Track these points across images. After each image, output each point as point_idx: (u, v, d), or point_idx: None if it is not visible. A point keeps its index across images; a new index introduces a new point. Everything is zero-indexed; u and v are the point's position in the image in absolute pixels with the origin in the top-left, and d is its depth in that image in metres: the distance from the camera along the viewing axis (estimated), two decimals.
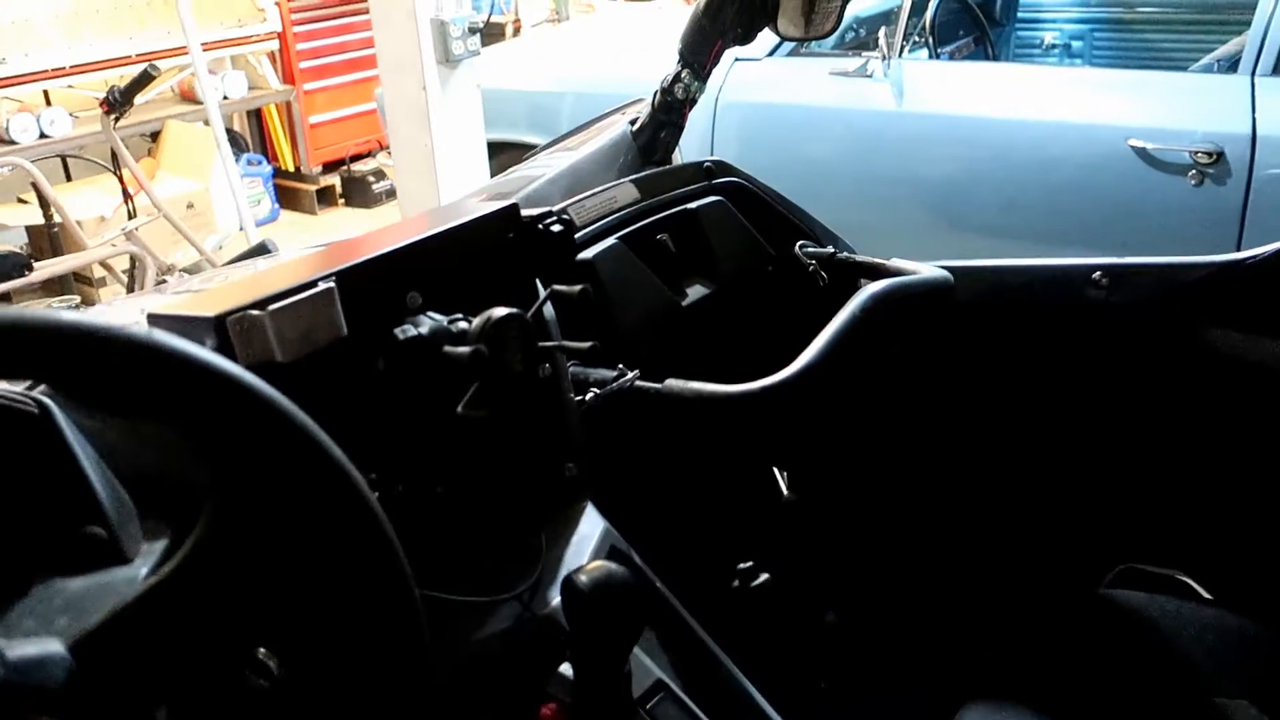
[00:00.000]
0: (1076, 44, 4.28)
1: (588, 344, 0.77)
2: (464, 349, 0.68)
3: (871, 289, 1.02)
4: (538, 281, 0.91)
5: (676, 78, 1.41)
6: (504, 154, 3.72)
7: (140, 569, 0.58)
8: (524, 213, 0.89)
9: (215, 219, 4.79)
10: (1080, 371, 1.24)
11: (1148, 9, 4.13)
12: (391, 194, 5.58)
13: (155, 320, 0.71)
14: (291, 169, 5.69)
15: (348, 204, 5.71)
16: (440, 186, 3.00)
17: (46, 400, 0.60)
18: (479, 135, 3.18)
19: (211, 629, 0.56)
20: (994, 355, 1.22)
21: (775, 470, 1.36)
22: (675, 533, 0.97)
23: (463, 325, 0.75)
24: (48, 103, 4.83)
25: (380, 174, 5.57)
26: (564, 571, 0.83)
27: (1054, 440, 1.27)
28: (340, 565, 0.57)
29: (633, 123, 1.50)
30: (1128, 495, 1.29)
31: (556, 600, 0.82)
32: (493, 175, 3.47)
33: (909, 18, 3.07)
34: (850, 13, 3.16)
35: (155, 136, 5.07)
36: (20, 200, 4.63)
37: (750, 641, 0.86)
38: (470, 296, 0.82)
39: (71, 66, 4.64)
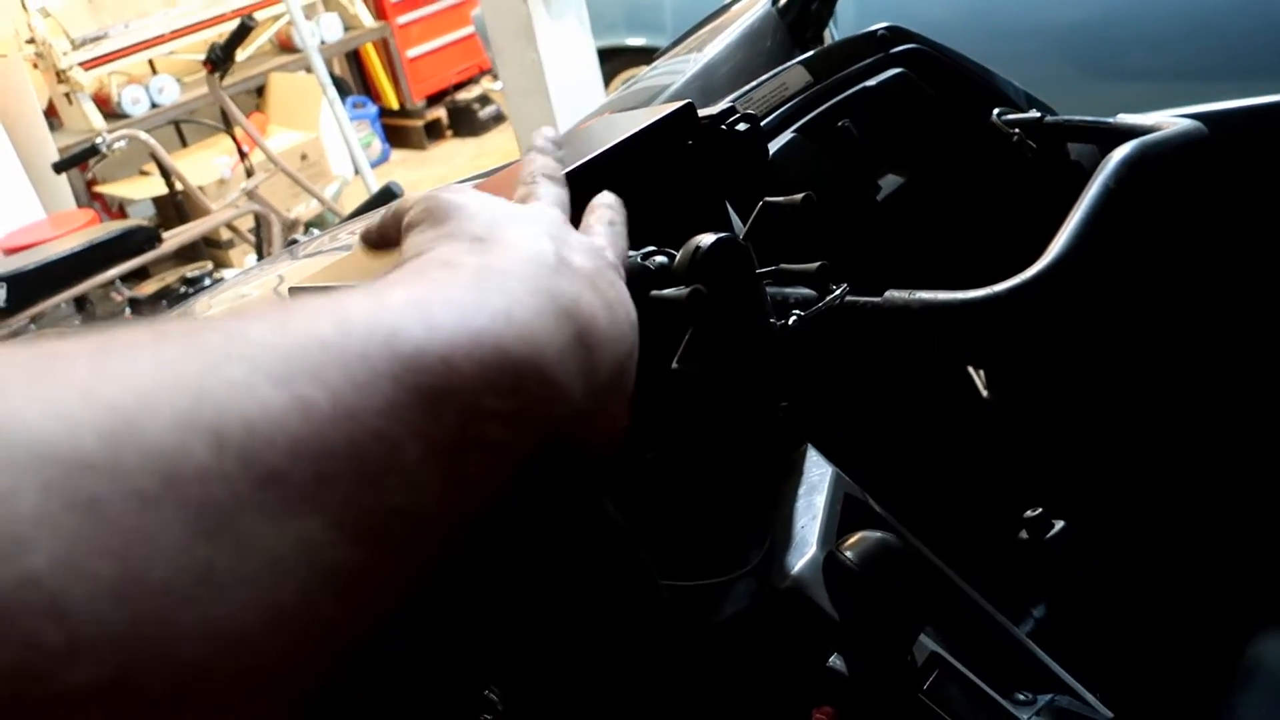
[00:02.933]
0: None
1: (813, 265, 0.62)
2: (678, 290, 0.54)
3: (1120, 154, 0.84)
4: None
5: None
6: (608, 62, 3.54)
7: None
8: (701, 113, 0.74)
9: (329, 167, 4.76)
10: None
11: None
12: (499, 119, 5.46)
13: (298, 294, 0.60)
14: (396, 106, 5.62)
15: (455, 135, 5.62)
16: (554, 104, 2.86)
17: None
18: (588, 44, 3.01)
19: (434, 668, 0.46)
20: (1257, 216, 1.03)
21: (970, 370, 1.20)
22: (919, 473, 0.83)
23: (660, 259, 0.61)
24: (153, 71, 4.84)
25: (485, 100, 5.45)
26: (797, 532, 0.70)
27: None
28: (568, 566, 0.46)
29: (776, 1, 1.33)
30: None
31: (795, 569, 0.69)
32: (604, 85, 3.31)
33: None
34: None
35: (261, 91, 5.05)
36: (142, 172, 4.68)
37: (1039, 599, 0.73)
38: (653, 222, 0.68)
39: (171, 32, 4.62)
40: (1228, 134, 0.98)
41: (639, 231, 0.69)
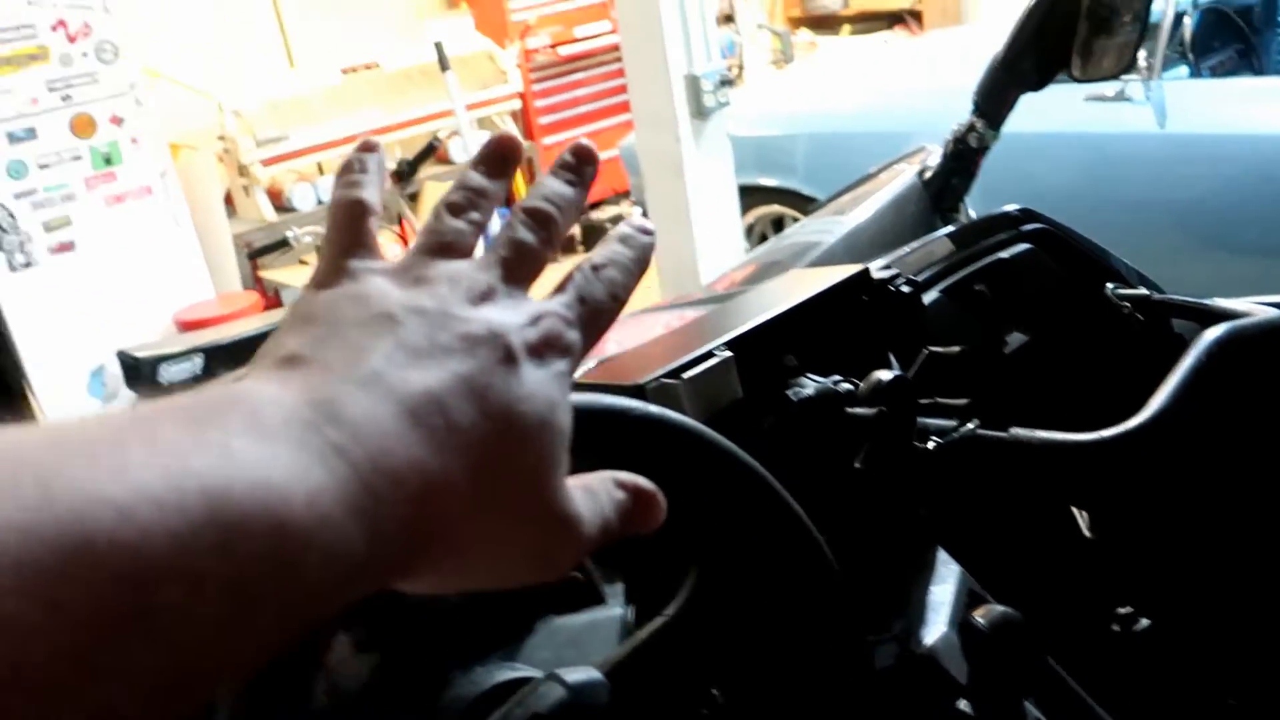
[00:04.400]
0: None
1: (962, 400, 0.82)
2: (867, 410, 0.75)
3: (1209, 335, 1.02)
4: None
5: (970, 127, 1.45)
6: (740, 198, 3.82)
7: (615, 609, 0.68)
8: (874, 275, 0.96)
9: None
10: None
11: None
12: None
13: (581, 388, 0.82)
14: None
15: (586, 250, 5.96)
16: (695, 234, 3.12)
17: None
18: (730, 182, 3.28)
19: (684, 669, 0.64)
20: None
21: (1074, 510, 1.36)
22: (1028, 576, 1.00)
23: (846, 386, 0.82)
24: (320, 172, 5.31)
25: (618, 219, 5.80)
26: (929, 613, 0.88)
27: None
28: (792, 599, 0.64)
29: (922, 173, 1.55)
30: None
31: (929, 640, 0.87)
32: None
33: (1169, 33, 2.97)
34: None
35: (414, 197, 5.47)
36: (301, 262, 5.10)
37: (1130, 691, 0.88)
38: (834, 357, 0.89)
39: (342, 138, 5.08)
40: None
41: (824, 364, 0.91)
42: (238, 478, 0.26)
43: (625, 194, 5.20)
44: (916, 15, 6.29)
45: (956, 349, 0.85)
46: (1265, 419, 1.14)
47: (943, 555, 0.97)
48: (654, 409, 0.59)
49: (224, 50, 5.28)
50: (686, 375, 0.78)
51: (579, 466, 0.62)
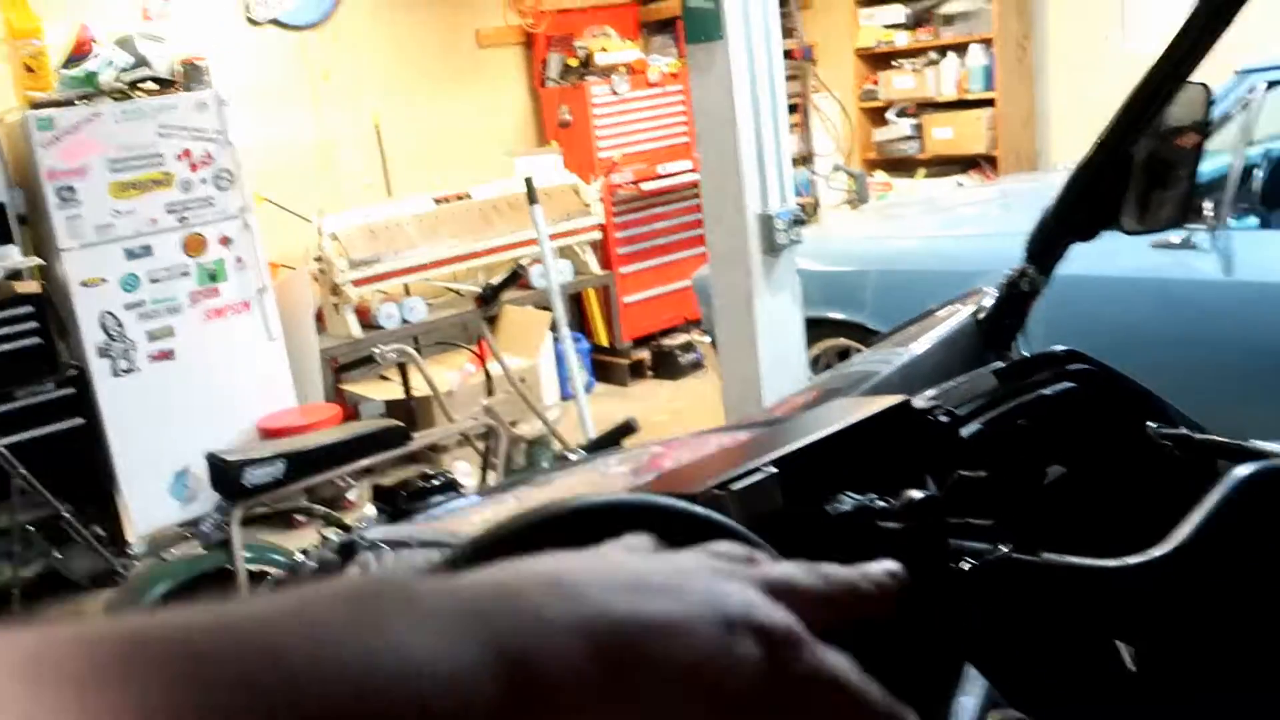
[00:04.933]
0: None
1: (988, 521, 0.88)
2: (895, 524, 0.82)
3: (1237, 473, 1.07)
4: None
5: (1023, 273, 1.52)
6: (809, 330, 3.92)
7: None
8: (915, 405, 1.03)
9: (542, 393, 5.27)
10: None
11: None
12: (697, 366, 5.92)
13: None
14: (605, 344, 6.17)
15: (655, 376, 6.09)
16: (761, 364, 3.22)
17: None
18: (798, 316, 3.39)
19: None
20: None
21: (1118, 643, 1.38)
22: (1053, 695, 1.04)
23: (880, 503, 0.89)
24: (406, 293, 5.55)
25: (688, 347, 5.93)
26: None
27: None
28: None
29: (976, 313, 1.62)
30: None
31: None
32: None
33: (1236, 185, 3.04)
34: None
35: (492, 320, 5.68)
36: (382, 377, 5.29)
37: None
38: (873, 477, 0.96)
39: (431, 262, 5.33)
40: None
41: (864, 485, 0.98)
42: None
43: (696, 322, 5.33)
44: (991, 160, 6.43)
45: (984, 474, 0.92)
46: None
47: (972, 672, 1.02)
48: (702, 510, 0.67)
49: (327, 177, 5.61)
50: (734, 487, 0.86)
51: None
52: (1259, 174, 3.26)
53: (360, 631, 0.28)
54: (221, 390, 4.60)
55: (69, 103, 4.32)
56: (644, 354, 6.14)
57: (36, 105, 4.26)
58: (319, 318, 5.23)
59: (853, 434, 0.97)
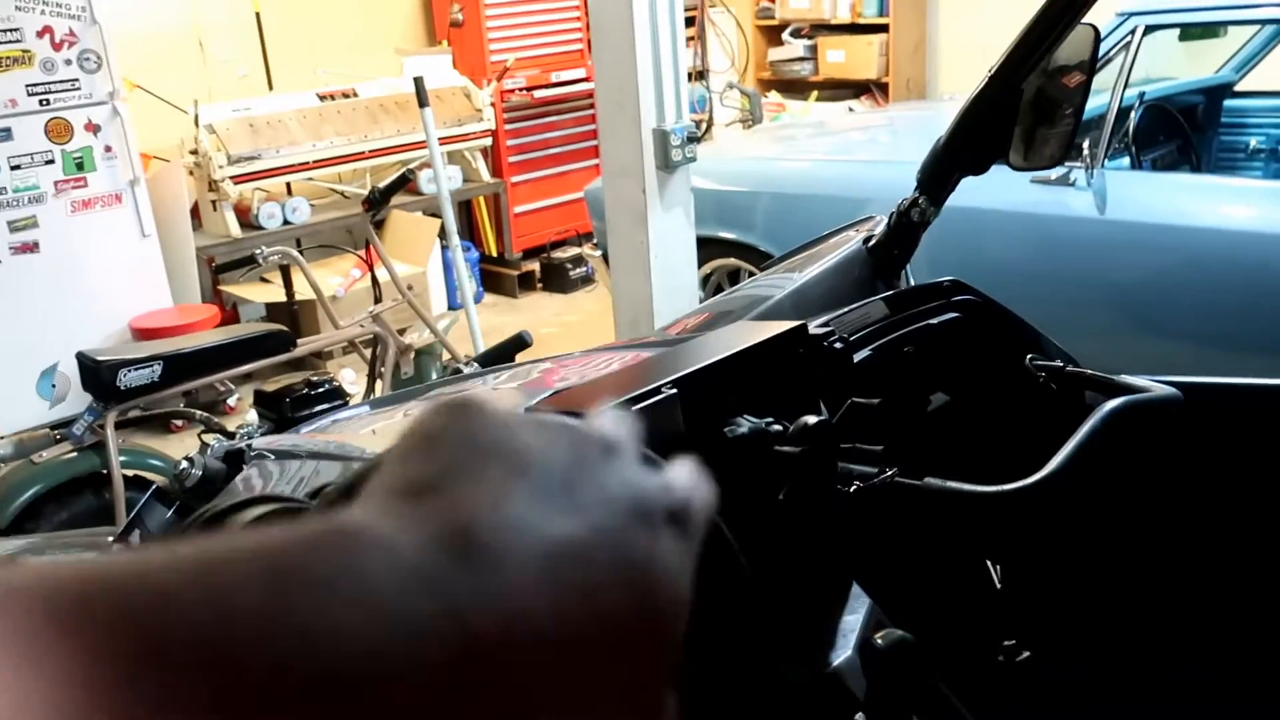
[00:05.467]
0: None
1: (878, 447, 0.92)
2: (795, 448, 0.84)
3: (1107, 406, 1.14)
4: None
5: (914, 202, 1.56)
6: (700, 249, 3.94)
7: None
8: (811, 331, 1.06)
9: (430, 301, 5.20)
10: None
11: None
12: (587, 280, 5.90)
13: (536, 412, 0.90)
14: (495, 254, 6.09)
15: (545, 289, 6.06)
16: (654, 281, 3.23)
17: None
18: (691, 234, 3.40)
19: None
20: (1219, 470, 1.31)
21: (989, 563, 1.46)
22: (935, 613, 1.10)
23: (777, 428, 0.91)
24: (289, 193, 5.36)
25: (579, 260, 5.91)
26: (840, 638, 0.98)
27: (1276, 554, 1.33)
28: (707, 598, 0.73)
29: (867, 240, 1.66)
30: None
31: (836, 662, 0.96)
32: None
33: (1112, 125, 3.15)
34: None
35: (380, 225, 5.54)
36: (263, 279, 5.14)
37: (1010, 712, 0.97)
38: (768, 401, 0.99)
39: (313, 161, 5.15)
40: (1204, 404, 1.27)
41: (760, 408, 1.01)
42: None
43: (588, 235, 5.31)
44: (883, 87, 6.51)
45: (876, 400, 0.95)
46: (1151, 483, 1.26)
47: (857, 589, 1.07)
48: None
49: (205, 67, 5.34)
50: (635, 407, 0.87)
51: None
52: (1134, 115, 3.37)
53: (322, 586, 0.25)
54: (91, 287, 4.40)
55: None
56: (534, 266, 6.09)
57: None
58: (195, 214, 5.03)
59: (750, 357, 0.99)
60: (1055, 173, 3.13)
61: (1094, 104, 3.32)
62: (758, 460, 0.88)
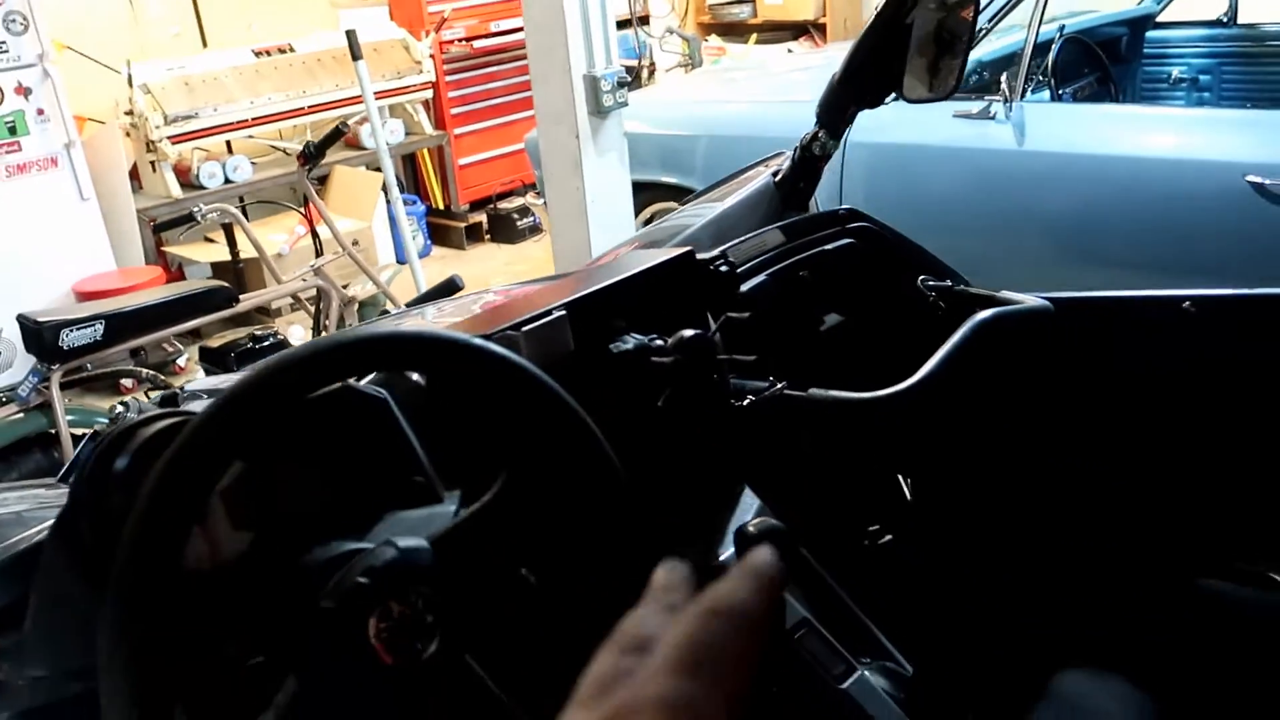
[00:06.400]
0: (1204, 78, 4.34)
1: (751, 357, 1.00)
2: (667, 359, 0.92)
3: (977, 316, 1.23)
4: (707, 311, 1.15)
5: (815, 136, 1.64)
6: (642, 193, 4.00)
7: (450, 506, 0.84)
8: (699, 256, 1.14)
9: (377, 254, 5.22)
10: (1178, 389, 1.41)
11: (1276, 43, 4.17)
12: (535, 230, 5.94)
13: None
14: (442, 207, 6.11)
15: (493, 240, 6.09)
16: (591, 226, 3.29)
17: (384, 392, 0.87)
18: (626, 178, 3.46)
19: (497, 548, 0.81)
20: (1099, 371, 1.41)
21: (899, 476, 1.56)
22: (815, 508, 1.19)
23: (659, 342, 0.99)
24: (229, 151, 5.34)
25: (525, 211, 5.94)
26: (728, 532, 1.07)
27: (1157, 449, 1.44)
28: (586, 501, 0.82)
29: (775, 174, 1.73)
30: (1224, 499, 1.45)
31: (724, 555, 1.05)
32: (635, 214, 3.75)
33: (1031, 59, 3.23)
34: (973, 55, 3.33)
35: (323, 180, 5.54)
36: (206, 239, 5.13)
37: (876, 589, 1.07)
38: (660, 321, 1.07)
39: (252, 119, 5.13)
40: (1075, 311, 1.37)
41: (650, 323, 1.09)
42: None
43: (532, 185, 5.34)
44: (820, 28, 6.55)
45: (747, 314, 1.03)
46: (1016, 387, 1.35)
47: (748, 492, 1.16)
48: (484, 344, 0.75)
49: (136, 26, 5.28)
50: (526, 328, 0.95)
51: (434, 385, 0.79)
52: (1054, 49, 3.45)
53: None
54: (32, 252, 4.38)
55: None
56: (480, 217, 6.11)
57: None
58: (134, 176, 5.00)
59: (640, 281, 1.06)
60: (976, 106, 3.21)
61: (1013, 39, 3.41)
62: (640, 372, 0.96)
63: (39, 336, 2.64)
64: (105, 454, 0.79)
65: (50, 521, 0.90)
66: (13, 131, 4.34)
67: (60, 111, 4.41)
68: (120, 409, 1.36)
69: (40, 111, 4.38)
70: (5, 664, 0.77)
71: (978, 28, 1.65)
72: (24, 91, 4.34)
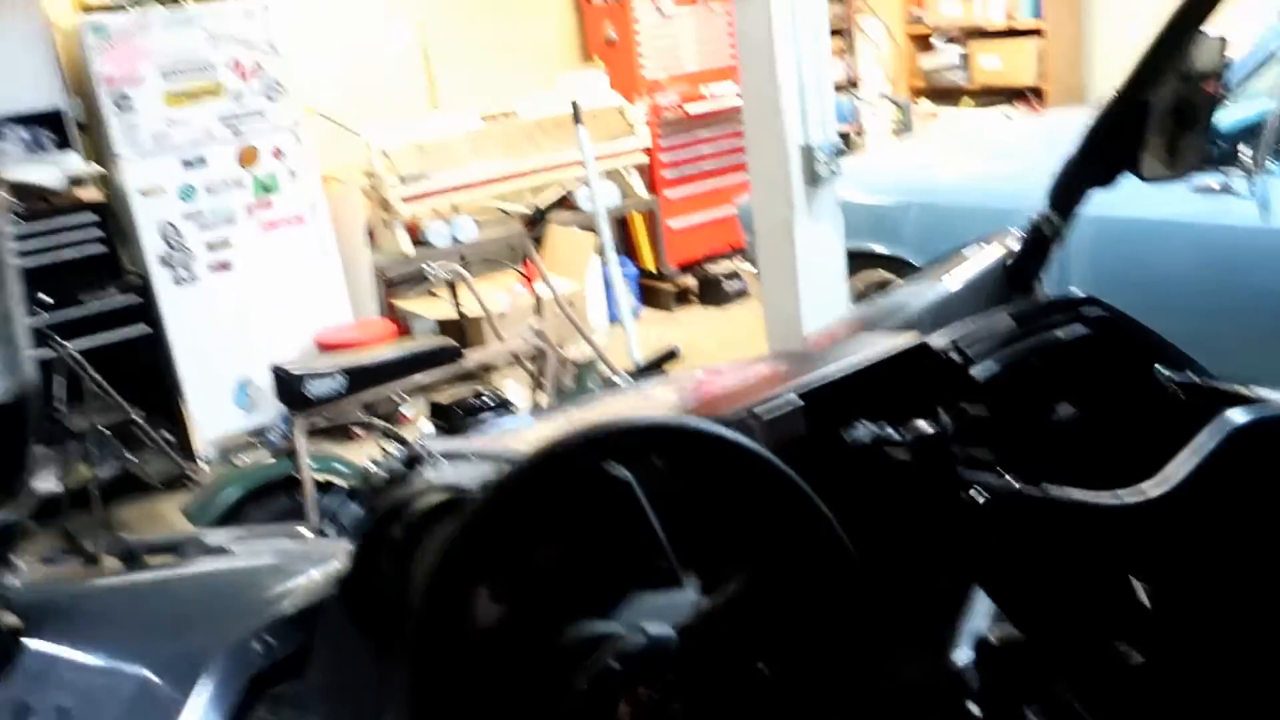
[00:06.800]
0: None
1: (988, 455, 1.00)
2: (902, 452, 0.93)
3: (1231, 420, 1.16)
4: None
5: (1045, 217, 1.61)
6: (853, 261, 3.97)
7: (689, 592, 0.87)
8: (929, 343, 1.14)
9: (588, 315, 5.39)
10: None
11: None
12: (743, 294, 6.00)
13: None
14: (652, 270, 6.25)
15: (701, 302, 6.18)
16: (801, 295, 3.30)
17: (628, 473, 0.91)
18: (839, 248, 3.45)
19: (738, 640, 0.83)
20: None
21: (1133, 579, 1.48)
22: (1051, 613, 1.15)
23: (891, 431, 1.00)
24: (455, 211, 5.65)
25: (734, 275, 6.01)
26: (962, 638, 1.05)
27: None
28: (824, 596, 0.83)
29: (1004, 257, 1.71)
30: None
31: (962, 662, 1.03)
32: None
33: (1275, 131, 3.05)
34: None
35: (539, 240, 5.78)
36: (430, 294, 5.44)
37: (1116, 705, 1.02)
38: (889, 408, 1.07)
39: (479, 181, 5.43)
40: None
41: (881, 416, 1.09)
42: None
43: (741, 250, 5.40)
44: (1039, 92, 6.37)
45: (984, 408, 1.02)
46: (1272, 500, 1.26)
47: (979, 592, 1.14)
48: (727, 433, 0.79)
49: (375, 93, 5.69)
50: (761, 413, 0.98)
51: (674, 472, 0.83)
52: None
53: None
54: (279, 303, 4.77)
55: (120, 8, 4.43)
56: (690, 280, 6.22)
57: (89, 10, 4.39)
58: (370, 234, 5.36)
59: (873, 369, 1.07)
60: (1216, 179, 3.05)
61: (1254, 110, 3.23)
62: (874, 464, 0.97)
63: (289, 385, 2.87)
64: (382, 521, 0.86)
65: (311, 574, 0.98)
66: (267, 190, 4.77)
67: (309, 171, 4.81)
68: (372, 467, 1.46)
69: (292, 172, 4.79)
70: (286, 709, 0.84)
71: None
72: (278, 154, 4.77)
